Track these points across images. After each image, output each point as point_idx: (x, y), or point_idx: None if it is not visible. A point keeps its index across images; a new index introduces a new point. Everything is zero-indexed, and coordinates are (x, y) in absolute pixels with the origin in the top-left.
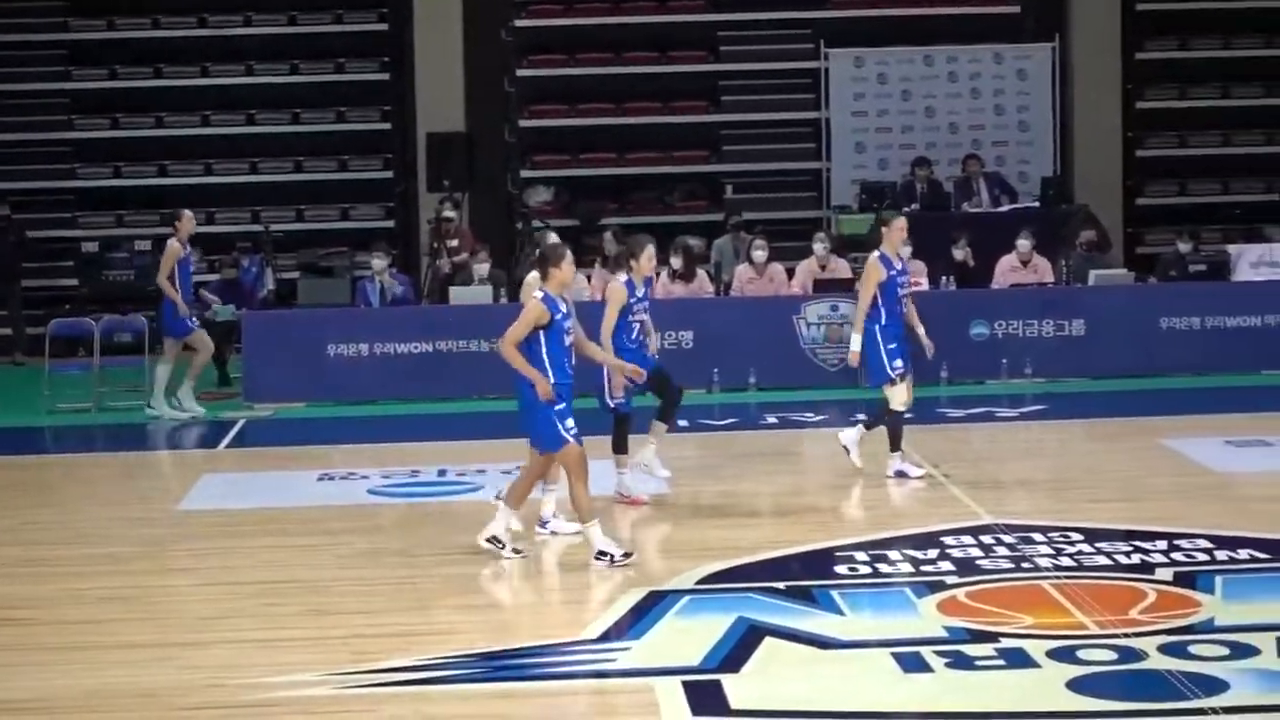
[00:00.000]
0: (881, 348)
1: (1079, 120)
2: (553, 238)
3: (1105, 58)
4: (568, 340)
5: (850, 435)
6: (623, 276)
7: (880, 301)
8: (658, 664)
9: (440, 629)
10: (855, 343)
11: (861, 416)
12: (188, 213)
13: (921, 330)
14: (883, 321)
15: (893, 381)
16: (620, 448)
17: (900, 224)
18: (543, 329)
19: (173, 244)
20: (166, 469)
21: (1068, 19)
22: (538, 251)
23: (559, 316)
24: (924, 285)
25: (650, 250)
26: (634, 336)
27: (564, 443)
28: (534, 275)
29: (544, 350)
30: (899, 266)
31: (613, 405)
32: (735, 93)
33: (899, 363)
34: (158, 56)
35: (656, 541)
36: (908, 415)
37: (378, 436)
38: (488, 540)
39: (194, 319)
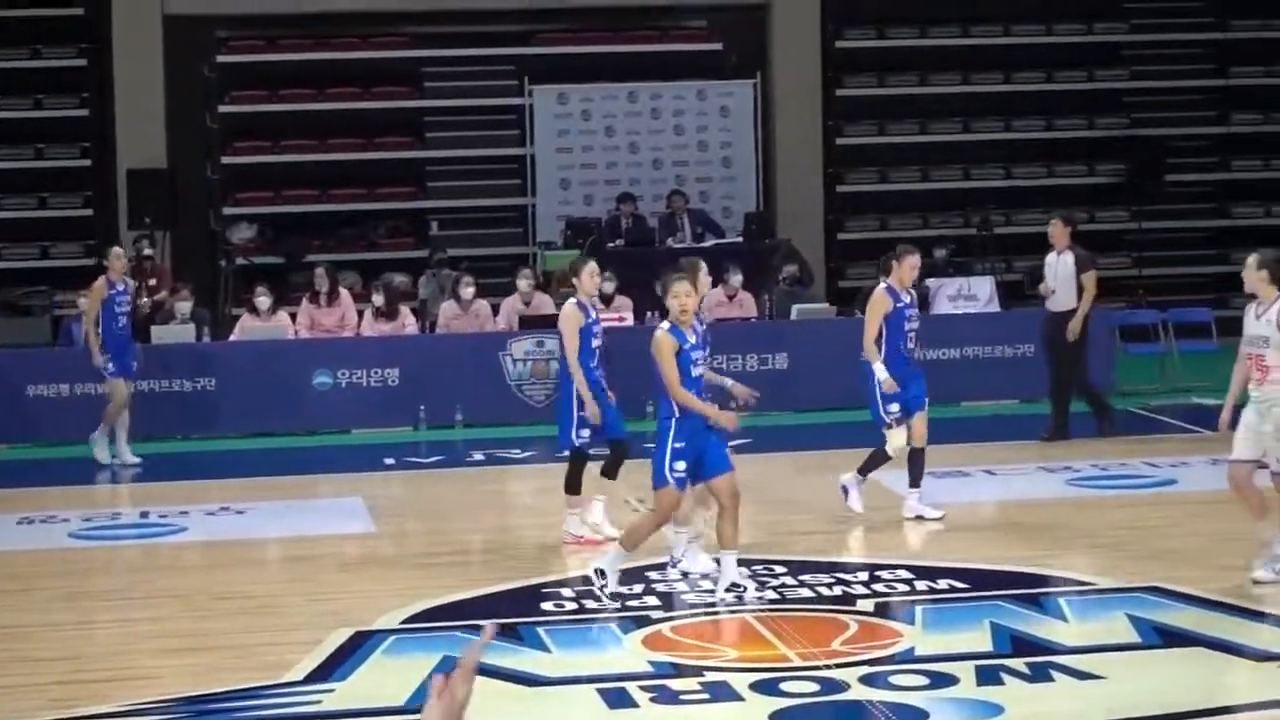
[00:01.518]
0: (879, 389)
1: (781, 156)
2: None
3: (806, 94)
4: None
5: (848, 477)
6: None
7: (884, 335)
8: (362, 705)
9: (143, 674)
10: (881, 370)
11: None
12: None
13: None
14: (882, 358)
15: (888, 425)
16: (574, 488)
17: (913, 261)
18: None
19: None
20: None
21: (769, 56)
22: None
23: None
24: (629, 320)
25: (592, 266)
26: (595, 364)
27: (665, 482)
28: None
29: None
30: (906, 300)
31: (577, 443)
32: (440, 129)
33: (894, 407)
34: None
35: (362, 581)
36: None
37: (79, 479)
38: (596, 572)
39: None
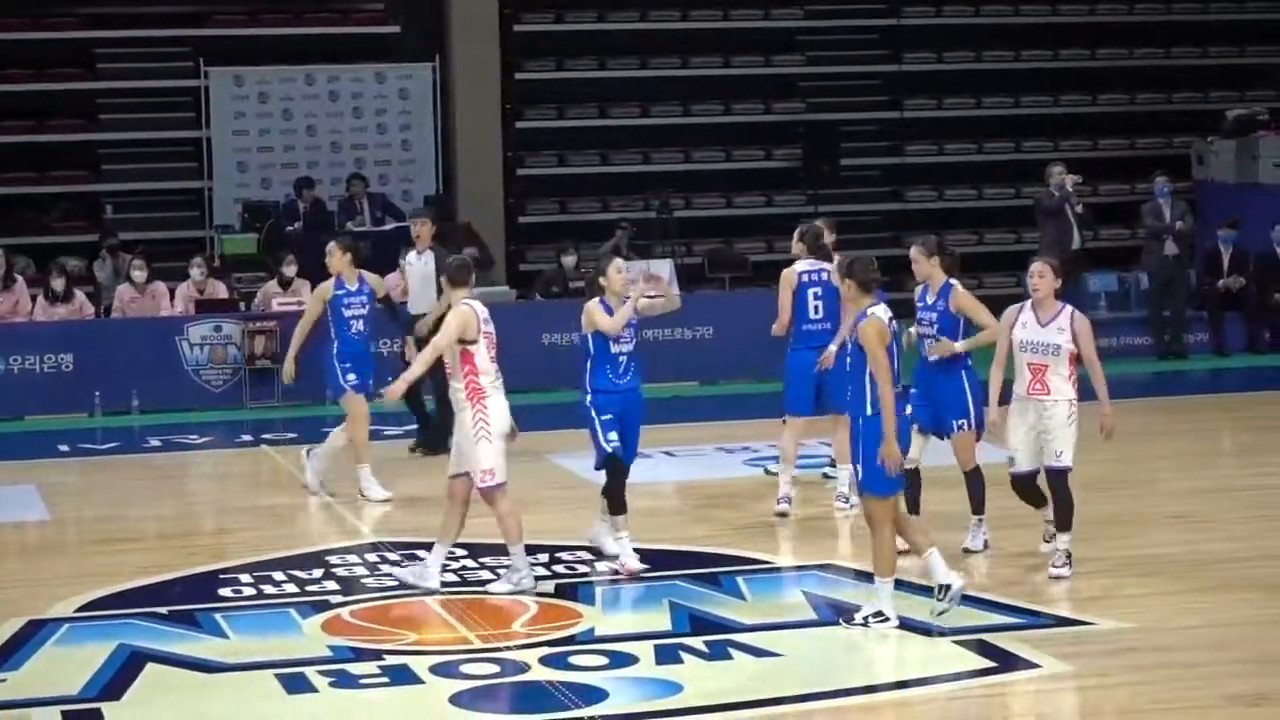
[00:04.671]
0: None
1: (460, 139)
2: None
3: (485, 78)
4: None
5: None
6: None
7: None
8: (35, 694)
9: None
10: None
11: None
12: None
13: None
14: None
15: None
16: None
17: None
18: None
19: None
20: None
21: (447, 39)
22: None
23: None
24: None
25: (618, 263)
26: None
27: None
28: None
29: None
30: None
31: (609, 449)
32: (114, 111)
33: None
34: None
35: (36, 569)
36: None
37: None
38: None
39: None
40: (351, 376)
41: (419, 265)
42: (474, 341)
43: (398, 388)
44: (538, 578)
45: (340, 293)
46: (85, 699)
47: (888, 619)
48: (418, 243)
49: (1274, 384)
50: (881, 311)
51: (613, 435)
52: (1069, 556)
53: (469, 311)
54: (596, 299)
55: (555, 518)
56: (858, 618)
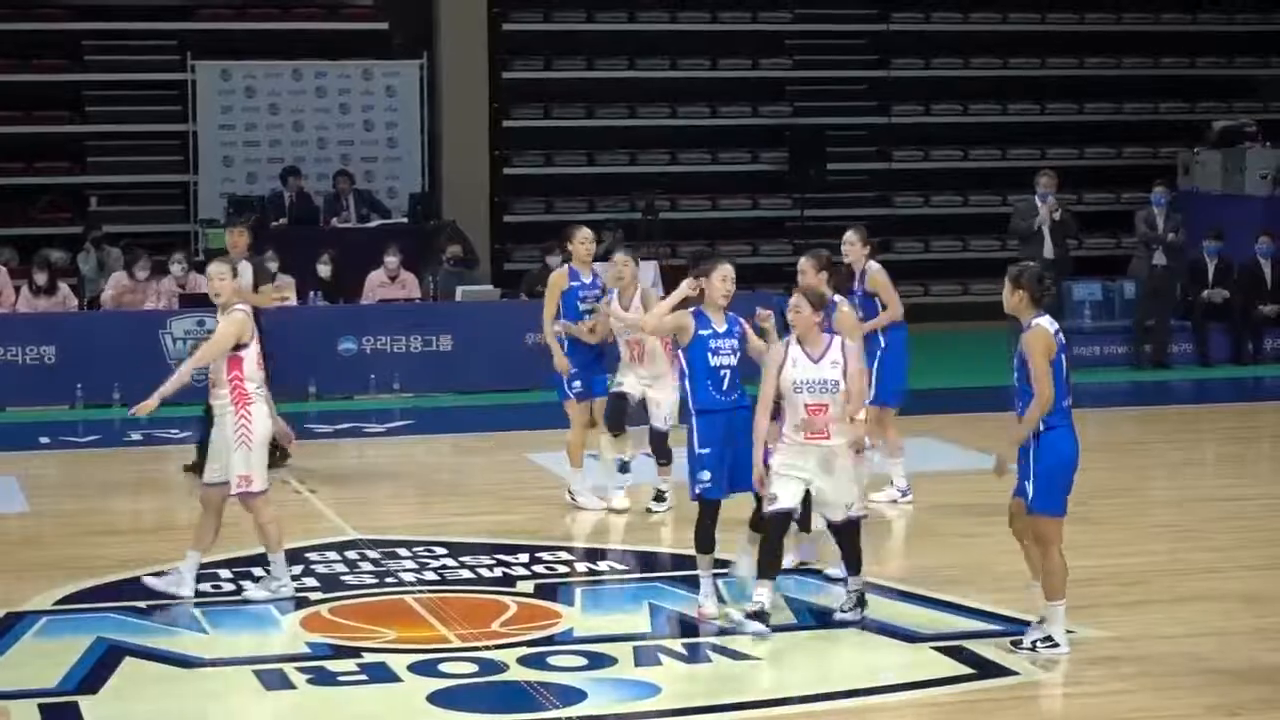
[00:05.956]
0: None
1: (447, 137)
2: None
3: (472, 76)
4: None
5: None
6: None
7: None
8: (13, 687)
9: None
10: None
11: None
12: None
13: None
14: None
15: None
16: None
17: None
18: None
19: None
20: None
21: (436, 37)
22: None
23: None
24: (292, 300)
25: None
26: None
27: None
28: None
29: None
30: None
31: (699, 490)
32: (101, 103)
33: (577, 384)
34: None
35: (15, 561)
36: None
37: None
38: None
39: None
40: (576, 384)
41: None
42: (247, 346)
43: (150, 404)
44: (518, 577)
45: (575, 284)
46: (63, 692)
47: (1057, 644)
48: (233, 252)
49: (1257, 395)
50: (1047, 323)
51: (705, 475)
52: (859, 599)
53: (244, 318)
54: (691, 309)
55: (535, 518)
56: (1025, 641)
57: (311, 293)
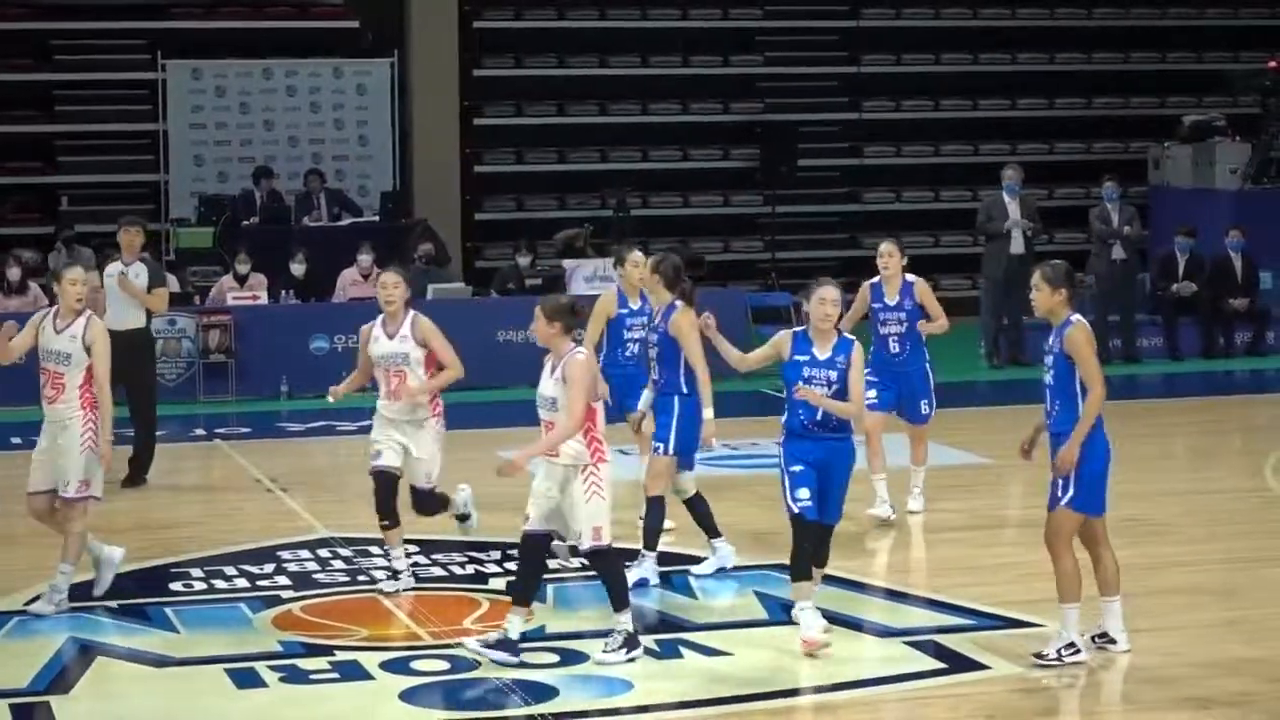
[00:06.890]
0: None
1: (418, 136)
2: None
3: (443, 74)
4: None
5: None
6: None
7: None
8: None
9: None
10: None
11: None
12: None
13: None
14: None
15: None
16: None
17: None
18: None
19: None
20: None
21: (407, 35)
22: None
23: None
24: (264, 299)
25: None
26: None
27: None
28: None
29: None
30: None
31: (797, 509)
32: (70, 103)
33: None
34: None
35: None
36: None
37: None
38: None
39: None
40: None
41: (127, 277)
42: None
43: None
44: (490, 575)
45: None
46: (34, 692)
47: (1078, 650)
48: (126, 253)
49: (1227, 389)
50: (1082, 319)
51: (803, 492)
52: (627, 637)
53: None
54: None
55: (507, 517)
56: (1049, 654)
57: (284, 291)
